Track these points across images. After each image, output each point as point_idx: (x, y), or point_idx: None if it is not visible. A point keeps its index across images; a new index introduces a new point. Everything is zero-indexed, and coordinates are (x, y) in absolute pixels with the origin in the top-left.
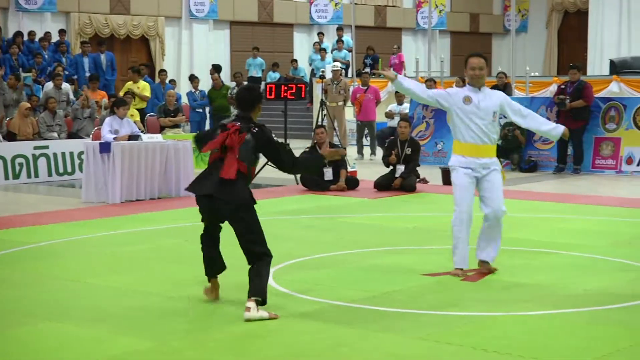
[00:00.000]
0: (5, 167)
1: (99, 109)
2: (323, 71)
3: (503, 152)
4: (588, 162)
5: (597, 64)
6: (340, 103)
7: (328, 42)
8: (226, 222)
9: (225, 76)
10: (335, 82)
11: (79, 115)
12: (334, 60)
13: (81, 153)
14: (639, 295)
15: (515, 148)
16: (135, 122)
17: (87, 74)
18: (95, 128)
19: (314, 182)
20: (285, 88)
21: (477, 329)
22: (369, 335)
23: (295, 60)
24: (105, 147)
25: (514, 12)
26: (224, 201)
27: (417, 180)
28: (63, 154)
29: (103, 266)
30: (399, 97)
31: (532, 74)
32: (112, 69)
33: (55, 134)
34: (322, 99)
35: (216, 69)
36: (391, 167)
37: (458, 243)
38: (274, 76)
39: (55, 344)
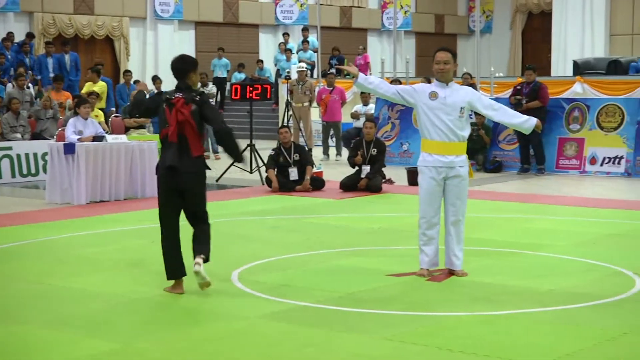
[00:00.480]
0: None
1: (63, 110)
2: (288, 72)
3: (468, 152)
4: (552, 163)
5: (560, 65)
6: (306, 104)
7: (294, 43)
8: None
9: None
10: (300, 83)
11: (42, 116)
12: (300, 61)
13: (45, 154)
14: (603, 295)
15: (480, 148)
16: (99, 123)
17: (51, 75)
18: (59, 129)
19: (279, 183)
20: (251, 89)
21: (443, 329)
22: (334, 335)
23: (261, 61)
24: (69, 148)
25: (479, 13)
26: (188, 173)
27: (383, 180)
28: (27, 155)
29: (67, 268)
30: (365, 98)
31: (497, 74)
32: (76, 70)
33: (19, 135)
34: (287, 100)
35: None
36: (357, 168)
37: (424, 243)
38: (239, 77)
39: (18, 347)
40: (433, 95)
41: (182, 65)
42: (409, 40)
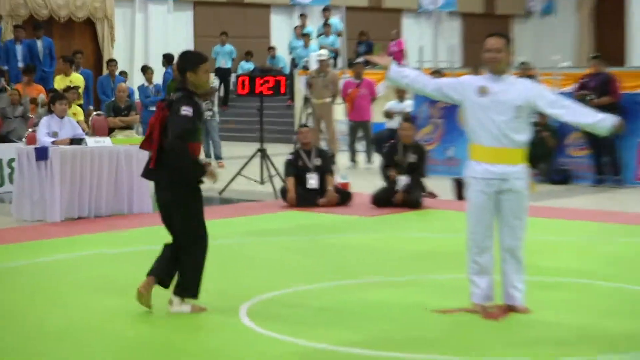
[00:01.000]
0: None
1: (34, 107)
2: (307, 61)
3: (528, 160)
4: (632, 172)
5: (637, 54)
6: (328, 100)
7: (312, 26)
8: None
9: None
10: (321, 75)
11: (9, 114)
12: (320, 48)
13: (12, 160)
14: None
15: (543, 155)
16: (78, 123)
17: (21, 65)
18: (30, 130)
19: (298, 196)
20: (261, 81)
21: None
22: None
23: (273, 48)
24: (41, 153)
25: None
26: (162, 185)
27: (424, 194)
28: None
29: (38, 300)
30: (400, 93)
31: (562, 64)
32: (50, 58)
33: None
34: (305, 95)
35: (168, 60)
36: (390, 179)
37: (476, 273)
38: (247, 67)
39: None
40: (482, 91)
41: (180, 63)
42: (453, 22)
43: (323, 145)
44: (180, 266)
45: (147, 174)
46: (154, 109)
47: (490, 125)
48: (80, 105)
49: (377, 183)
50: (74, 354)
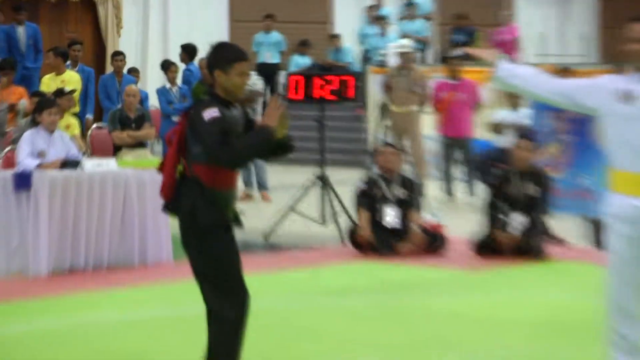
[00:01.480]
0: None
1: (14, 117)
2: (383, 54)
3: None
4: None
5: None
6: (414, 107)
7: (391, 7)
8: None
9: None
10: (404, 73)
11: None
12: (402, 37)
13: None
14: None
15: None
16: (73, 138)
17: None
18: (7, 148)
19: (377, 239)
20: (321, 82)
21: None
22: None
23: (337, 37)
24: (22, 181)
25: None
26: (181, 228)
27: (546, 239)
28: None
29: None
30: (513, 99)
31: None
32: (35, 51)
33: None
34: (382, 102)
35: (189, 53)
36: (500, 216)
37: (622, 351)
38: (301, 62)
39: None
40: (627, 96)
41: (208, 59)
42: (585, 2)
43: (406, 170)
44: (208, 338)
45: (166, 207)
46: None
47: (638, 143)
48: (76, 115)
49: (481, 223)
50: None
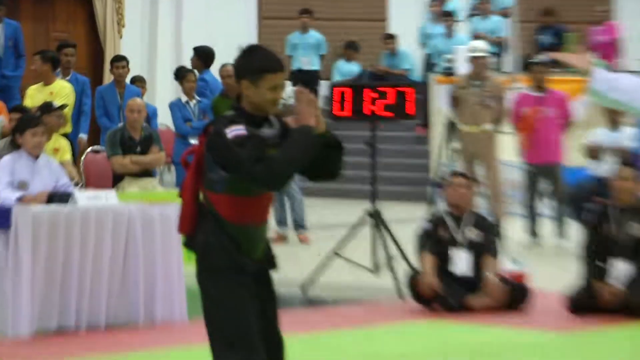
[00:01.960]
0: None
1: None
2: (451, 59)
3: None
4: None
5: None
6: (489, 126)
7: (460, 0)
8: None
9: None
10: (476, 83)
11: None
12: (474, 38)
13: None
14: None
15: None
16: (63, 165)
17: None
18: None
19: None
20: (374, 95)
21: None
22: None
23: (393, 37)
24: (0, 219)
25: None
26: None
27: None
28: None
29: None
30: (613, 116)
31: None
32: (16, 55)
33: None
34: (450, 119)
35: (203, 58)
36: (599, 264)
37: None
38: (347, 70)
39: None
40: None
41: (235, 65)
42: None
43: (481, 206)
44: None
45: (186, 243)
46: (195, 142)
47: None
48: (66, 136)
49: (576, 273)
50: None
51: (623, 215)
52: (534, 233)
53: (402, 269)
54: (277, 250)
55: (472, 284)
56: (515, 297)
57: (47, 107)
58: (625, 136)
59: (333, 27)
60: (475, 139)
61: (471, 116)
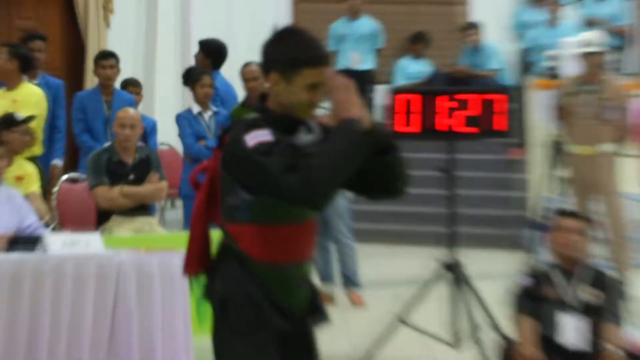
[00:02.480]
0: None
1: None
2: (554, 56)
3: None
4: None
5: None
6: (608, 146)
7: None
8: None
9: None
10: (590, 88)
11: None
12: (586, 27)
13: None
14: None
15: None
16: (29, 199)
17: None
18: None
19: None
20: (450, 104)
21: None
22: None
23: (476, 27)
24: None
25: None
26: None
27: None
28: None
29: None
30: None
31: None
32: None
33: None
34: (555, 137)
35: (213, 54)
36: None
37: None
38: (414, 70)
39: None
40: None
41: (264, 57)
42: None
43: (598, 256)
44: None
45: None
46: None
47: None
48: (34, 161)
49: None
50: None
51: None
52: None
53: (490, 339)
54: None
55: (587, 357)
56: None
57: (8, 120)
58: None
59: (394, 13)
60: (590, 165)
61: (584, 133)
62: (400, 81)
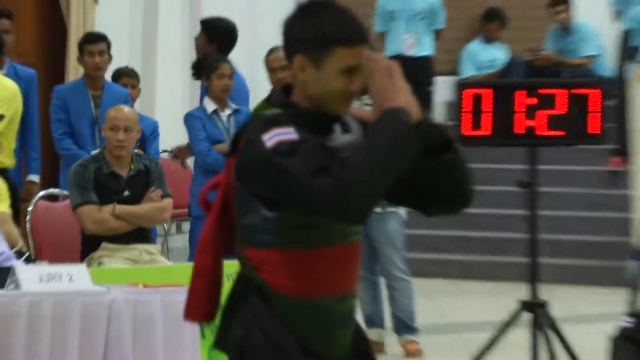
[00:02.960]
0: None
1: None
2: None
3: None
4: None
5: None
6: None
7: None
8: None
9: None
10: None
11: None
12: None
13: None
14: None
15: None
16: None
17: None
18: None
19: None
20: (532, 101)
21: None
22: None
23: (566, 3)
24: None
25: None
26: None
27: None
28: None
29: None
30: None
31: None
32: None
33: None
34: None
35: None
36: None
37: None
38: (486, 57)
39: None
40: None
41: (285, 37)
42: None
43: None
44: None
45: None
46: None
47: None
48: (3, 174)
49: None
50: None
51: None
52: None
53: None
54: None
55: None
56: None
57: None
58: None
59: None
60: None
61: None
62: (468, 71)
